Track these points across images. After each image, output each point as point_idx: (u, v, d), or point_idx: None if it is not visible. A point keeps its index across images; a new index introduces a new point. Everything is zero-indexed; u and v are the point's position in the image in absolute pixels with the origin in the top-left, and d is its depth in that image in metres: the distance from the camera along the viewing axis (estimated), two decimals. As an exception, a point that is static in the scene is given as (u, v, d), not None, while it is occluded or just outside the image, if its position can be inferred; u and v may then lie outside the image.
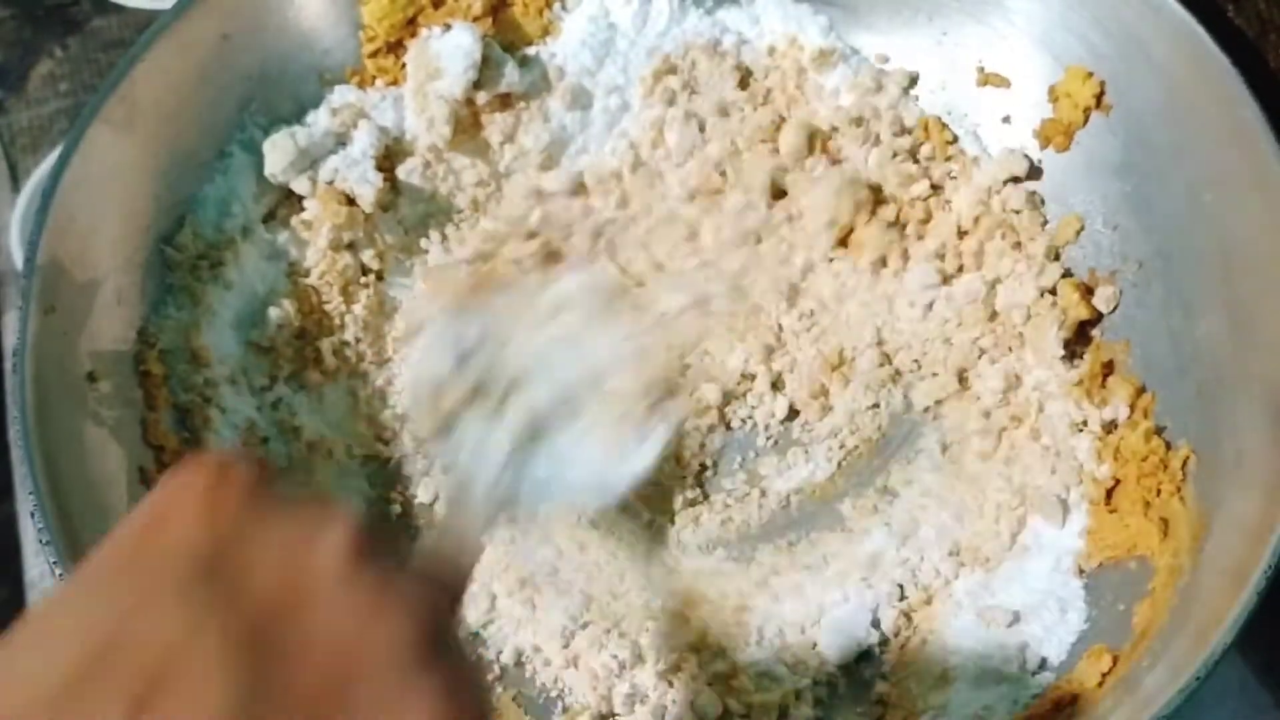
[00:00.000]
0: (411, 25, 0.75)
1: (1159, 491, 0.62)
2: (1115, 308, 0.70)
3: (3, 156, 0.86)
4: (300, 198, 0.73)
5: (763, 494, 0.70)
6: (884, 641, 0.65)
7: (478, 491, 0.48)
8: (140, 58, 0.67)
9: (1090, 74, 0.71)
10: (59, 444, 0.58)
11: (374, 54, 0.75)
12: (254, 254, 0.71)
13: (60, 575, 0.54)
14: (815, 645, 0.65)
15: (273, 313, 0.70)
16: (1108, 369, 0.68)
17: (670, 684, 0.63)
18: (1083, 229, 0.72)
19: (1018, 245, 0.72)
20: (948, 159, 0.76)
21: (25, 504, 0.76)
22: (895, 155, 0.74)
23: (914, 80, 0.78)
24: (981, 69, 0.76)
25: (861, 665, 0.64)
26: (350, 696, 0.25)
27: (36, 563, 0.76)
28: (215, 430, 0.66)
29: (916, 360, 0.73)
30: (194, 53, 0.70)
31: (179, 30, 0.69)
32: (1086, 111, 0.71)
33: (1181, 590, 0.57)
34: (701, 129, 0.76)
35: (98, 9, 0.98)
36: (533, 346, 0.54)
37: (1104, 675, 0.57)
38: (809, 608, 0.66)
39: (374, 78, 0.76)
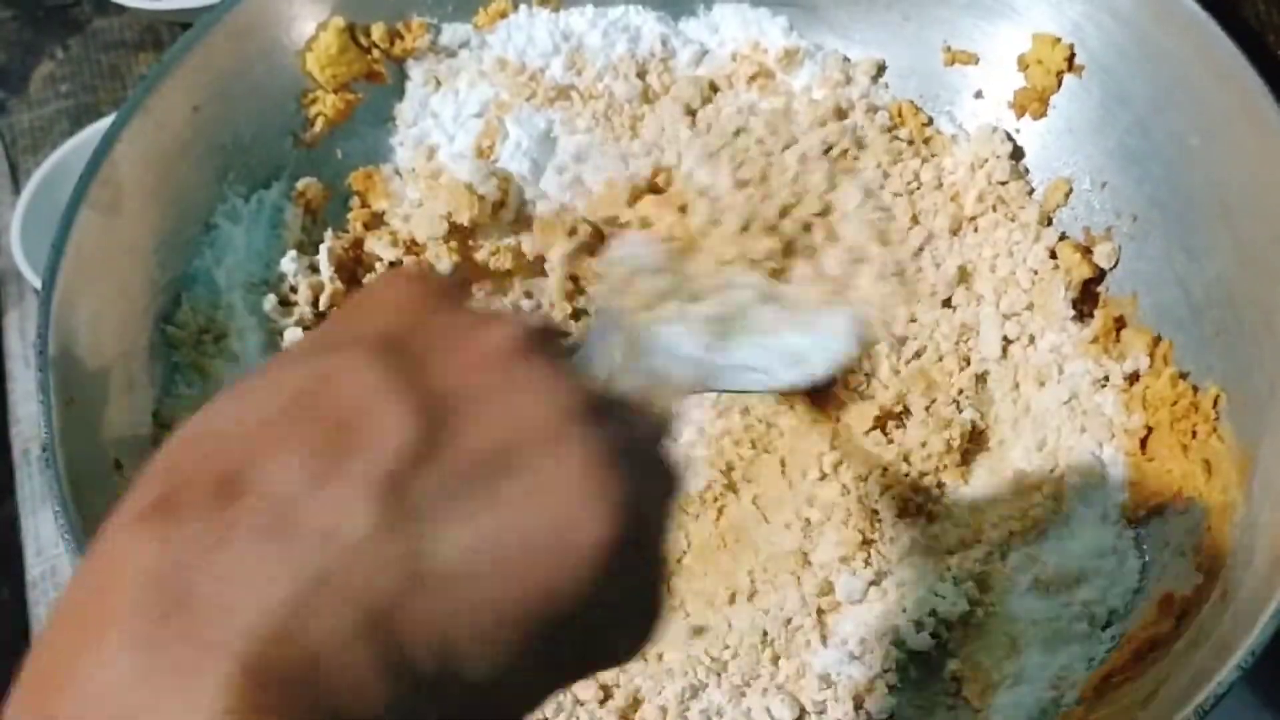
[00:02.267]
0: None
1: (1194, 433, 0.63)
2: (1116, 263, 0.70)
3: (4, 157, 0.85)
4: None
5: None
6: (947, 623, 0.65)
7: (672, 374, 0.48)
8: (117, 138, 0.66)
9: (1058, 39, 0.72)
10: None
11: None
12: (254, 322, 0.70)
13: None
14: (887, 637, 0.64)
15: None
16: (1119, 323, 0.69)
17: (743, 695, 0.63)
18: (1071, 191, 0.73)
19: (1010, 216, 0.73)
20: (926, 141, 0.76)
21: (25, 504, 0.78)
22: (882, 132, 0.75)
23: (881, 68, 0.78)
24: (948, 48, 0.76)
25: (928, 649, 0.64)
26: (510, 454, 0.29)
27: (38, 562, 0.75)
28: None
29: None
30: (168, 128, 0.69)
31: (150, 107, 0.68)
32: (1059, 75, 0.72)
33: (1239, 525, 0.57)
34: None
35: (99, 10, 0.98)
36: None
37: (1178, 619, 0.57)
38: (887, 596, 0.66)
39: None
